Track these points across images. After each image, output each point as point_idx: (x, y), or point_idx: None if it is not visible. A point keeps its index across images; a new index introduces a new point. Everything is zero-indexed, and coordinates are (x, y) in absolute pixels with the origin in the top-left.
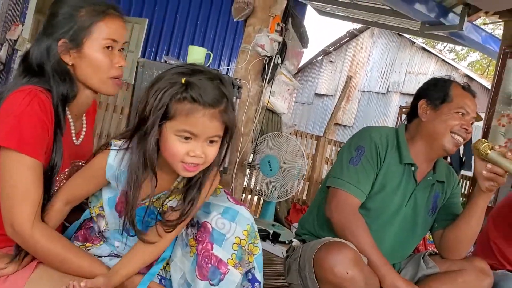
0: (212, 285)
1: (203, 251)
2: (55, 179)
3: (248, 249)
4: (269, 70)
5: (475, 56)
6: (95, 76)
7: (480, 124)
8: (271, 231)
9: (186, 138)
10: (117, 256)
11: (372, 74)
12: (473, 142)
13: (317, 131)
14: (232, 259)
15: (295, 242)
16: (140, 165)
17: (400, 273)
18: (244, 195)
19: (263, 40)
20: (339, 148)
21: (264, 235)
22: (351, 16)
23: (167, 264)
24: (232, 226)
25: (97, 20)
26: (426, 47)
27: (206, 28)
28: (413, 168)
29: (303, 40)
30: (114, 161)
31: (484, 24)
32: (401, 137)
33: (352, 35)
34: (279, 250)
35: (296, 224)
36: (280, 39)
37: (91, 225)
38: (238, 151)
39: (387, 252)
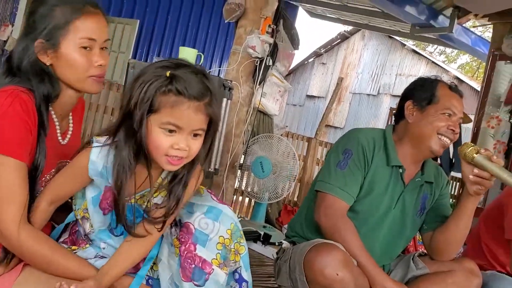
0: (197, 285)
1: (185, 252)
2: (41, 180)
3: (234, 248)
4: (260, 72)
5: (465, 58)
6: (73, 76)
7: (470, 126)
8: (262, 233)
9: (171, 131)
10: (102, 257)
11: (363, 76)
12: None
13: (309, 133)
14: (216, 259)
15: (285, 244)
16: (131, 158)
17: (390, 274)
18: (235, 196)
19: (254, 42)
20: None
21: (255, 237)
22: (342, 18)
23: (154, 263)
24: (216, 225)
25: (72, 19)
26: (417, 49)
27: (198, 29)
28: (400, 170)
29: (294, 41)
30: (98, 157)
31: (473, 27)
32: (388, 138)
33: (343, 37)
34: (270, 252)
35: (287, 226)
36: (271, 40)
37: (77, 228)
38: (229, 152)
39: (376, 254)
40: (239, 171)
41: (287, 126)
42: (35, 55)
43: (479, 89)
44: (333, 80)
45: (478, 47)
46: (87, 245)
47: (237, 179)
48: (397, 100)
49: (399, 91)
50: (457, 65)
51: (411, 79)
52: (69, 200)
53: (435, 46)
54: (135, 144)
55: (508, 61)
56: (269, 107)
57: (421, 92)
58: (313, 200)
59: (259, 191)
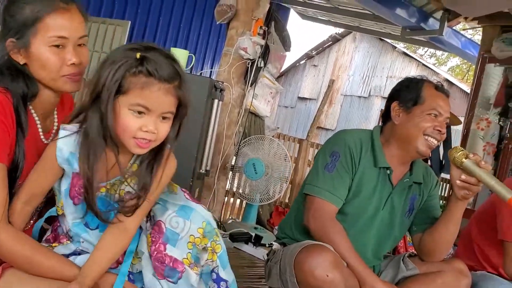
0: (172, 282)
1: (155, 252)
2: (22, 180)
3: (211, 247)
4: (252, 73)
5: (455, 61)
6: (46, 75)
7: (460, 128)
8: (253, 234)
9: (140, 112)
10: (81, 253)
11: (354, 78)
12: (453, 145)
13: (300, 135)
14: (187, 259)
15: (276, 245)
16: (98, 141)
17: (380, 275)
18: (226, 198)
19: (245, 43)
20: None
21: (246, 238)
22: (333, 20)
23: (134, 257)
24: (186, 224)
25: (42, 16)
26: (407, 52)
27: (189, 30)
28: (388, 171)
29: (285, 43)
30: (65, 144)
31: (463, 30)
32: (375, 140)
33: (335, 40)
34: (261, 253)
35: (277, 227)
36: (262, 42)
37: (59, 225)
38: (221, 154)
39: (366, 256)
40: (230, 172)
41: (278, 128)
42: (8, 55)
43: (469, 91)
44: (325, 82)
45: (468, 49)
46: (68, 241)
47: (228, 181)
48: None
49: None
50: (447, 67)
51: None
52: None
53: (426, 48)
54: (102, 127)
55: (498, 64)
56: (261, 108)
57: (407, 93)
58: (303, 203)
59: (251, 193)
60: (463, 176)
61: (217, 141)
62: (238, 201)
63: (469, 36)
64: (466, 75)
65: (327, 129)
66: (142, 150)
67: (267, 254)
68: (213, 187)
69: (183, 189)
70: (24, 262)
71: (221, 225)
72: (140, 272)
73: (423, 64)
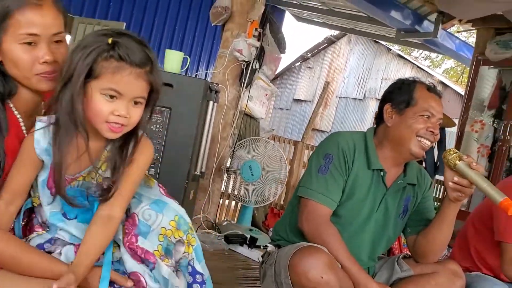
0: (147, 267)
1: (127, 243)
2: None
3: (186, 239)
4: (247, 75)
5: (449, 63)
6: (19, 73)
7: (454, 130)
8: (248, 236)
9: (112, 96)
10: (56, 240)
11: (349, 80)
12: (447, 147)
13: (295, 136)
14: (158, 251)
15: (270, 247)
16: (68, 124)
17: (375, 277)
18: (221, 200)
19: (240, 45)
20: None
21: (241, 240)
22: (328, 22)
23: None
24: (159, 217)
25: (11, 12)
26: (402, 54)
27: (184, 32)
28: (382, 173)
29: (280, 45)
30: (43, 136)
31: (458, 32)
32: (369, 142)
33: (330, 42)
34: (256, 255)
35: (272, 229)
36: (257, 44)
37: (34, 216)
38: (216, 156)
39: (360, 257)
40: (225, 174)
41: (273, 130)
42: None
43: (463, 93)
44: (320, 84)
45: (462, 52)
46: (44, 231)
47: (223, 183)
48: None
49: None
50: (442, 70)
51: None
52: None
53: (420, 51)
54: (72, 110)
55: (492, 66)
56: (256, 110)
57: (399, 95)
58: (297, 205)
59: (246, 195)
60: (456, 178)
61: (212, 143)
62: (233, 203)
63: (463, 39)
64: (461, 78)
65: (322, 131)
66: (115, 135)
67: (262, 256)
68: (208, 189)
69: (159, 184)
70: (12, 263)
71: (216, 227)
72: (120, 259)
73: (418, 66)
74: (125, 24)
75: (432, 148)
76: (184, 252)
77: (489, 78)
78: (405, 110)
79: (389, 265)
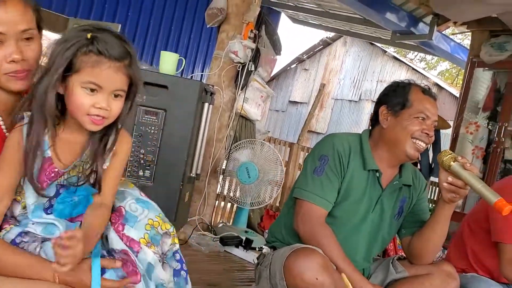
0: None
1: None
2: None
3: (173, 232)
4: (242, 77)
5: (445, 65)
6: None
7: (449, 131)
8: (243, 238)
9: (92, 90)
10: (28, 233)
11: (345, 82)
12: (442, 149)
13: (291, 138)
14: (144, 238)
15: (266, 249)
16: (39, 119)
17: (370, 278)
18: (217, 201)
19: (236, 47)
20: None
21: (236, 242)
22: (324, 24)
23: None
24: (145, 211)
25: None
26: (397, 56)
27: (180, 34)
28: (377, 174)
29: (276, 47)
30: None
31: (453, 34)
32: (364, 143)
33: (325, 44)
34: (251, 257)
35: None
36: (253, 46)
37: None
38: (211, 157)
39: (355, 258)
40: (221, 176)
41: (269, 132)
42: None
43: (458, 95)
44: (316, 86)
45: (457, 54)
46: (12, 226)
47: (219, 184)
48: None
49: None
50: (437, 72)
51: None
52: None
53: (416, 53)
54: (45, 105)
55: (486, 68)
56: (251, 112)
57: (394, 97)
58: (292, 206)
59: (242, 196)
60: (450, 178)
61: (207, 145)
62: (228, 205)
63: (458, 41)
64: (456, 80)
65: (318, 133)
66: (97, 127)
67: (257, 258)
68: (203, 191)
69: (138, 188)
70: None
71: (211, 229)
72: (107, 239)
73: (413, 68)
74: (120, 25)
75: (427, 150)
76: (171, 244)
77: (483, 80)
78: (401, 112)
79: (384, 266)
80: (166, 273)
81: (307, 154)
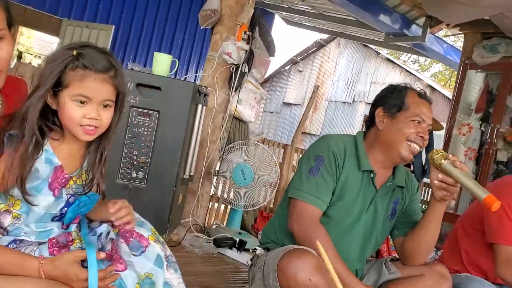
0: (134, 255)
1: (122, 229)
2: None
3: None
4: (236, 78)
5: (438, 67)
6: None
7: (442, 133)
8: (237, 239)
9: (82, 102)
10: (22, 240)
11: (339, 83)
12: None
13: (285, 140)
14: (152, 236)
15: (259, 250)
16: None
17: (363, 279)
18: (211, 203)
19: (230, 48)
20: None
21: (230, 243)
22: (318, 26)
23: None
24: (145, 220)
25: None
26: (391, 58)
27: (174, 35)
28: (372, 175)
29: (270, 48)
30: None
31: (445, 36)
32: (359, 144)
33: (319, 45)
34: (245, 258)
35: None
36: (247, 47)
37: None
38: (205, 159)
39: (349, 259)
40: (215, 178)
41: (263, 133)
42: None
43: (451, 97)
44: (309, 88)
45: (450, 56)
46: (1, 235)
47: (212, 186)
48: None
49: None
50: (430, 73)
51: None
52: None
53: (409, 55)
54: (27, 118)
55: (479, 70)
56: (245, 113)
57: (391, 99)
58: (287, 207)
59: (235, 198)
60: (440, 176)
61: (201, 147)
62: (222, 206)
63: (451, 43)
64: (449, 81)
65: (312, 135)
66: (90, 137)
67: (251, 259)
68: (197, 192)
69: None
70: None
71: (205, 230)
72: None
73: (407, 70)
74: (114, 26)
75: (420, 151)
76: (169, 254)
77: (476, 82)
78: (397, 114)
79: (377, 267)
80: (171, 275)
81: (301, 155)
